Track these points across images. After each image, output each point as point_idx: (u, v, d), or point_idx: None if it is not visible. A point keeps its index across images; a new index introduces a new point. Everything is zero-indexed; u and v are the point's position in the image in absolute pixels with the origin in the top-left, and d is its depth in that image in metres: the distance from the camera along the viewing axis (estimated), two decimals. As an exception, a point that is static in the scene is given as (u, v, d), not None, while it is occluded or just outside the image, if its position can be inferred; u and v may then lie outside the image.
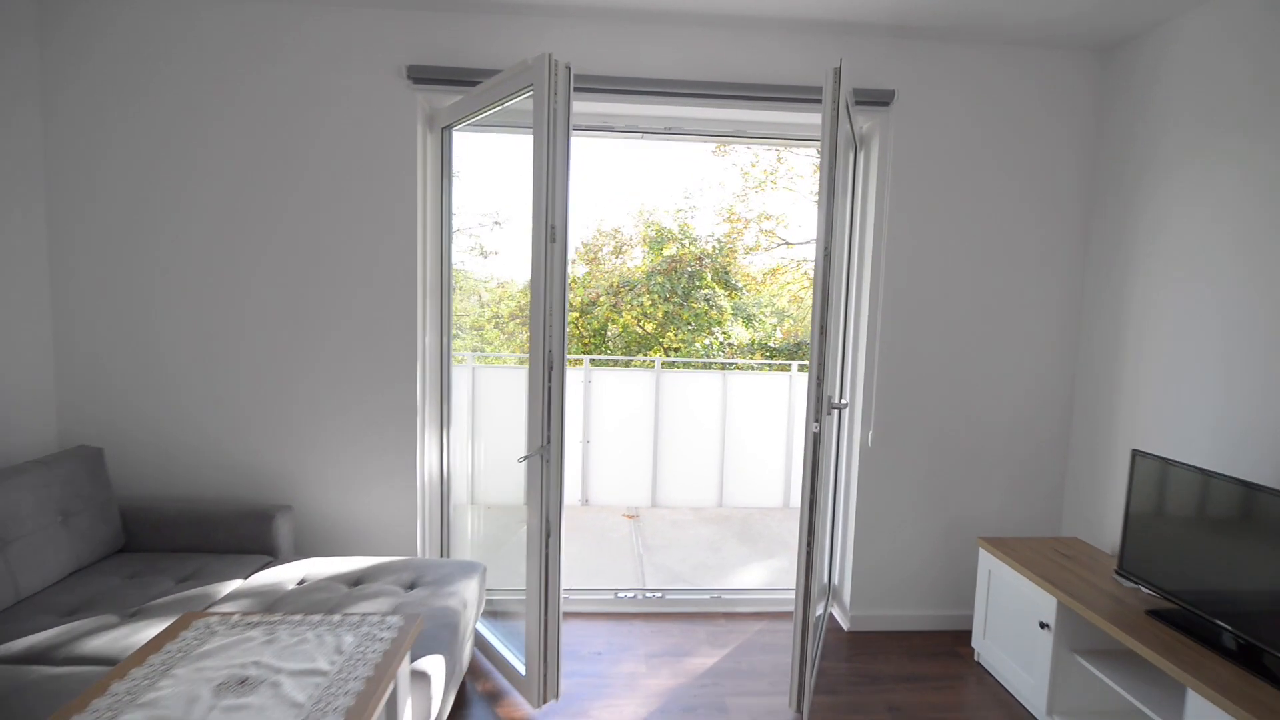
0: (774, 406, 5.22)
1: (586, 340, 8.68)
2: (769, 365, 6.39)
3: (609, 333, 8.88)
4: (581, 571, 3.74)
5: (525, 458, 2.16)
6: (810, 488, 2.22)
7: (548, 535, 2.17)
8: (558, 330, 2.14)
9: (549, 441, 2.15)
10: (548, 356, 2.12)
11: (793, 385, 5.21)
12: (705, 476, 5.19)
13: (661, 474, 5.16)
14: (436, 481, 2.93)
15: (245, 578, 2.32)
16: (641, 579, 3.68)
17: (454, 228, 2.91)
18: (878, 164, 2.90)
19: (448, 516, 2.95)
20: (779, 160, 14.15)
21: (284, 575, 2.31)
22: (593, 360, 5.60)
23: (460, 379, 3.12)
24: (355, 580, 2.30)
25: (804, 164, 13.28)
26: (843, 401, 3.11)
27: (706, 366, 7.83)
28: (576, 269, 11.25)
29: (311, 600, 2.11)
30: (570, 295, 9.60)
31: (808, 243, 14.12)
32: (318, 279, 2.71)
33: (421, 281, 2.77)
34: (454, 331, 2.96)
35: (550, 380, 2.14)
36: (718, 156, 13.46)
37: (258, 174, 2.64)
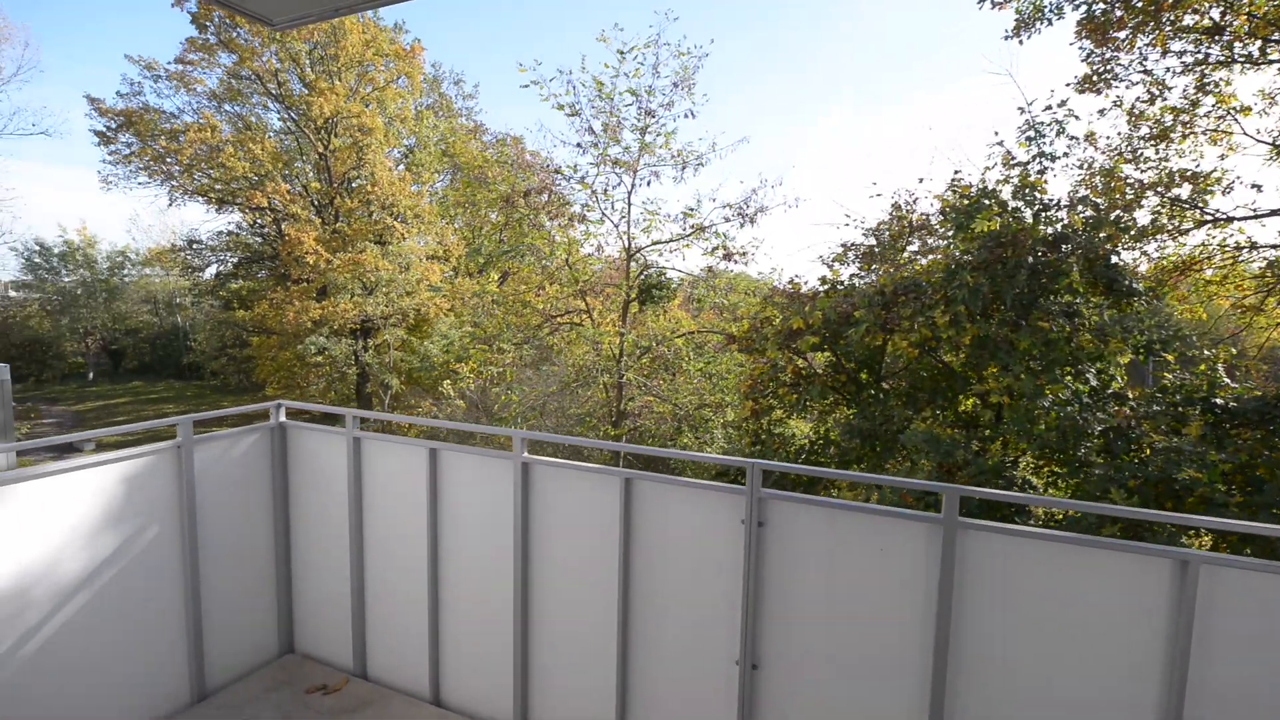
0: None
1: (840, 380, 5.47)
2: None
3: (881, 366, 5.54)
4: None
5: None
6: None
7: None
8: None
9: None
10: None
11: None
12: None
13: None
14: None
15: None
16: None
17: None
18: None
19: None
20: (1199, 90, 8.77)
21: None
22: (765, 471, 2.42)
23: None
24: None
25: (1252, 83, 7.92)
26: None
27: (1137, 532, 3.63)
28: (841, 267, 8.16)
29: None
30: (808, 308, 5.27)
31: (1264, 215, 8.30)
32: None
33: None
34: None
35: None
36: (1085, 92, 8.77)
37: None
